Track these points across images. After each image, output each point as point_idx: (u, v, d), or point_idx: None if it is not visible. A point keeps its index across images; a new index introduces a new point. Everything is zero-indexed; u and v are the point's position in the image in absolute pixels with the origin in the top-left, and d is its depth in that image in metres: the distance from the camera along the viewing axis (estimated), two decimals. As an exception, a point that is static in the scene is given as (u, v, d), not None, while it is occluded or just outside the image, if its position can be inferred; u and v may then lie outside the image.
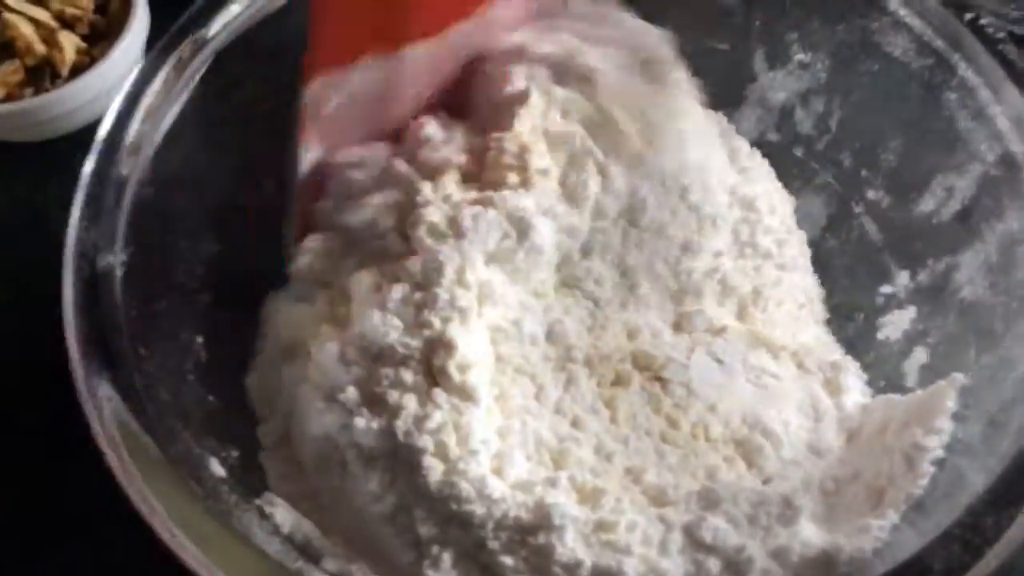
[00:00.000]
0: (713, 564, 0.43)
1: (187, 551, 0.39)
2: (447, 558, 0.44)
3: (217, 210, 0.54)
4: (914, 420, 0.46)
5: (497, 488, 0.44)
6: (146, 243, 0.48)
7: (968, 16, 0.51)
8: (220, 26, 0.53)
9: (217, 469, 0.45)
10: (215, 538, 0.40)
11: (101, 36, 0.66)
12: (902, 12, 0.53)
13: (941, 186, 0.53)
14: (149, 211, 0.49)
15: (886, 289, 0.55)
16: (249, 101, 0.55)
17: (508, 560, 0.43)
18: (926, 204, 0.54)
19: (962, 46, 0.51)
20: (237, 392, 0.52)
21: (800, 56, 0.59)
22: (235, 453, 0.48)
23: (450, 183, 0.51)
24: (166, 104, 0.51)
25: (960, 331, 0.50)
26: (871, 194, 0.57)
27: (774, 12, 0.59)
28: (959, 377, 0.47)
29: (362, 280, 0.50)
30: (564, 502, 0.44)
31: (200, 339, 0.51)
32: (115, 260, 0.46)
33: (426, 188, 0.50)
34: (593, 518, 0.44)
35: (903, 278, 0.55)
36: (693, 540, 0.44)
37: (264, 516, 0.45)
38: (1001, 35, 0.49)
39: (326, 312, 0.51)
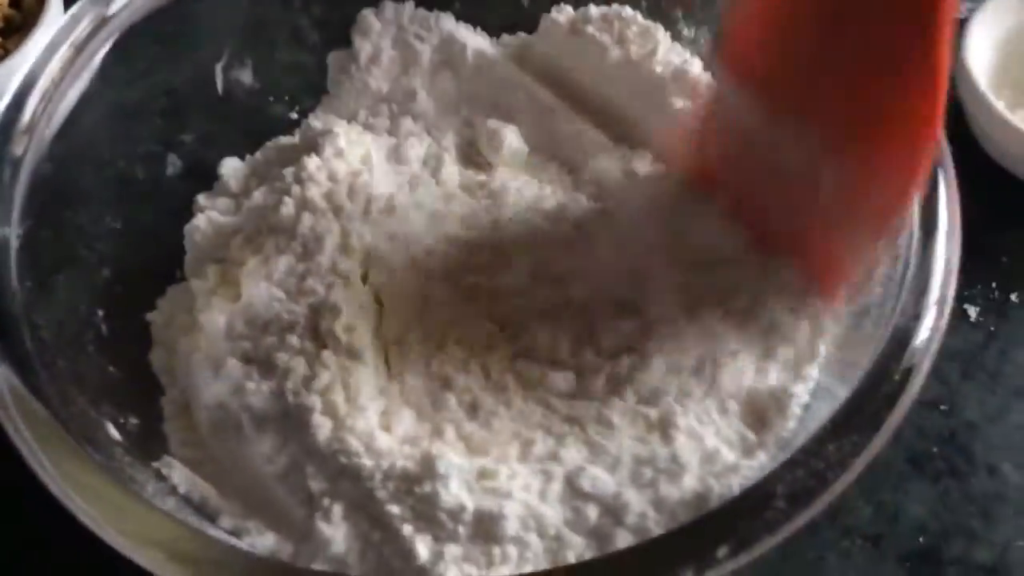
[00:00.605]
0: (591, 510, 0.45)
1: (82, 510, 0.40)
2: (338, 510, 0.45)
3: (119, 189, 0.56)
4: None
5: (384, 442, 0.46)
6: (43, 218, 0.50)
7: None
8: (121, 5, 0.54)
9: (113, 434, 0.47)
10: (108, 497, 0.41)
11: (15, 29, 0.66)
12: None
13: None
14: (47, 188, 0.51)
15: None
16: (154, 82, 0.57)
17: (395, 509, 0.44)
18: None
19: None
20: (142, 364, 0.54)
21: (686, 32, 0.61)
22: (135, 420, 0.49)
23: (337, 161, 0.53)
24: (65, 84, 0.52)
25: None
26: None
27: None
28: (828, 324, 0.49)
29: (249, 254, 0.52)
30: (448, 452, 0.46)
31: (101, 312, 0.52)
32: (10, 233, 0.47)
33: (311, 163, 0.53)
34: (477, 465, 0.46)
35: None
36: (573, 488, 0.46)
37: (161, 479, 0.47)
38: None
39: (216, 286, 0.53)
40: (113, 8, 0.54)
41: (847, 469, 0.39)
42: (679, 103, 0.58)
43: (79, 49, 0.52)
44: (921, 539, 0.52)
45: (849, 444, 0.39)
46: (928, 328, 0.43)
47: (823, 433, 0.40)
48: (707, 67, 0.58)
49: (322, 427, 0.46)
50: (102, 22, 0.53)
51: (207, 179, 0.60)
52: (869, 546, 0.52)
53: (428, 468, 0.45)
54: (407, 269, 0.52)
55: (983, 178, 0.55)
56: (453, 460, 0.45)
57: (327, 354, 0.48)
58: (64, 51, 0.52)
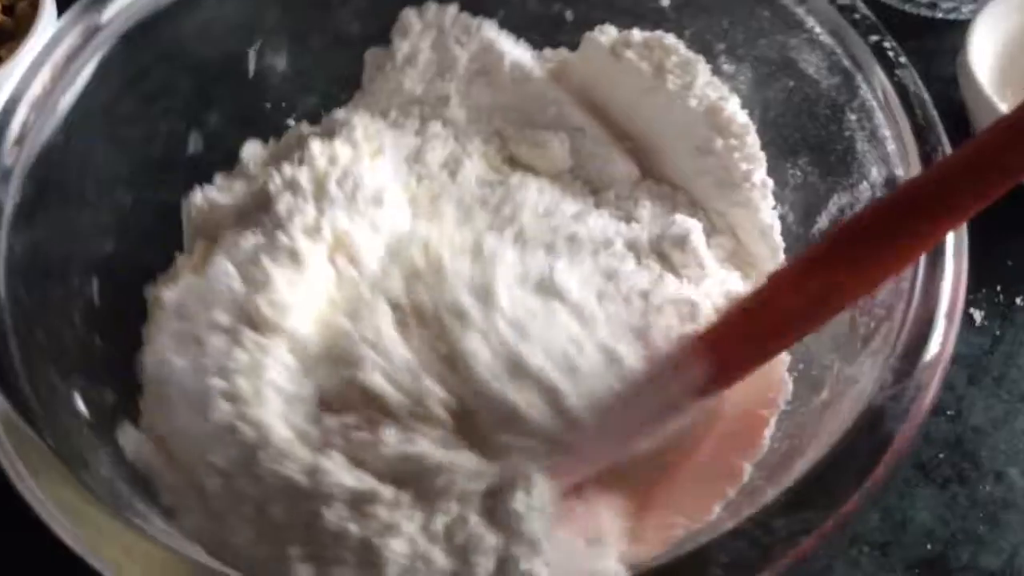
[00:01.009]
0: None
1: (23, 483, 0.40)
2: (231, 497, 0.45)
3: (134, 165, 0.56)
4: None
5: (280, 434, 0.44)
6: (48, 184, 0.50)
7: (873, 39, 0.51)
8: (114, 13, 0.53)
9: (80, 407, 0.47)
10: (49, 472, 0.41)
11: (8, 37, 0.65)
12: (817, 30, 0.54)
13: (836, 205, 0.53)
14: (57, 153, 0.51)
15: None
16: (182, 61, 0.57)
17: (278, 513, 0.43)
18: (822, 222, 0.54)
19: (862, 67, 0.51)
20: (132, 338, 0.54)
21: (726, 67, 0.59)
22: (111, 394, 0.50)
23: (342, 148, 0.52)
24: (83, 57, 0.52)
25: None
26: (779, 209, 0.57)
27: (703, 21, 0.59)
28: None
29: (228, 231, 0.52)
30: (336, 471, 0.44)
31: (96, 282, 0.53)
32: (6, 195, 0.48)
33: (315, 145, 0.52)
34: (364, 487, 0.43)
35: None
36: None
37: (118, 457, 0.47)
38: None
39: (199, 261, 0.53)
40: (106, 16, 0.53)
41: (795, 547, 0.37)
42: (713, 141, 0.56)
43: (72, 58, 0.52)
44: (929, 546, 0.52)
45: (799, 521, 0.37)
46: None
47: (775, 505, 0.38)
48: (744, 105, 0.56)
49: (220, 411, 0.45)
50: (94, 30, 0.53)
51: (229, 161, 0.60)
52: (877, 553, 0.52)
53: (315, 485, 0.43)
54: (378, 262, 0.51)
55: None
56: (341, 481, 0.43)
57: (248, 334, 0.47)
58: (56, 60, 0.51)
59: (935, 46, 0.69)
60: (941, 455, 0.55)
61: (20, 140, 0.49)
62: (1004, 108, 0.60)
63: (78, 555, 0.38)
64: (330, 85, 0.63)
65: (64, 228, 0.52)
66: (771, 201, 0.56)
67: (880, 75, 0.50)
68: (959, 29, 0.66)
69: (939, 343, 0.42)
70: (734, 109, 0.56)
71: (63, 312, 0.50)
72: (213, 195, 0.56)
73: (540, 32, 0.62)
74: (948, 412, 0.56)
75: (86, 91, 0.52)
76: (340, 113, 0.60)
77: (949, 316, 0.43)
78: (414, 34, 0.62)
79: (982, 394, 0.57)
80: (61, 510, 0.39)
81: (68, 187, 0.53)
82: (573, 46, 0.62)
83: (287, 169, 0.53)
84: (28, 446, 0.41)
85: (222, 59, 0.59)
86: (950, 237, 0.44)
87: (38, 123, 0.50)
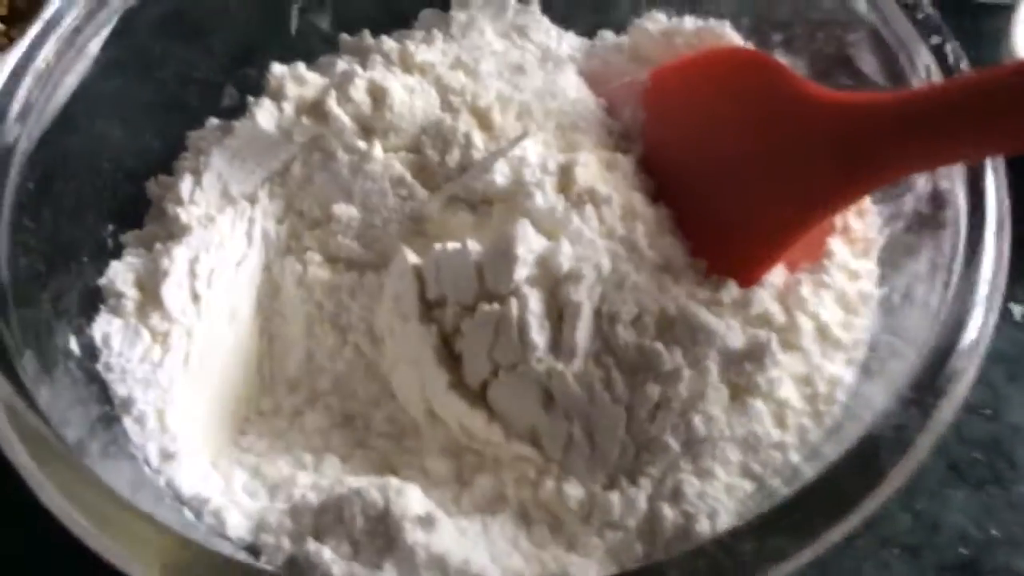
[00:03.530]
0: None
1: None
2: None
3: (167, 112, 0.56)
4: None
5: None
6: (73, 128, 0.50)
7: (935, 40, 0.47)
8: None
9: (72, 347, 0.47)
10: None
11: (20, 17, 0.63)
12: (879, 28, 0.50)
13: (881, 215, 0.50)
14: (90, 95, 0.51)
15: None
16: (158, 71, 0.57)
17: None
18: (865, 232, 0.51)
19: (919, 70, 0.47)
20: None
21: (782, 59, 0.56)
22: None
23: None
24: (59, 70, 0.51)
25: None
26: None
27: (763, 10, 0.56)
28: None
29: None
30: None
31: (111, 227, 0.53)
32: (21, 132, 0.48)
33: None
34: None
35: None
36: None
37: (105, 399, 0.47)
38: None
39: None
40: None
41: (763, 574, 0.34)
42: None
43: (75, 36, 0.51)
44: (962, 549, 0.50)
45: (771, 550, 0.35)
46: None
47: (745, 527, 0.35)
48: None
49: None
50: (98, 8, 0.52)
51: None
52: (908, 556, 0.50)
53: None
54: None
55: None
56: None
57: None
58: (58, 38, 0.51)
59: (981, 30, 0.65)
60: (977, 455, 0.52)
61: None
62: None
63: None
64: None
65: (87, 182, 0.53)
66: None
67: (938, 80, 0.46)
68: (1005, 14, 0.62)
69: (976, 330, 0.40)
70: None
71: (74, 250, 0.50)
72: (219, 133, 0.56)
73: (588, 20, 0.60)
74: (985, 411, 0.54)
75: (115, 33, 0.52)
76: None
77: (988, 302, 0.40)
78: (475, 6, 0.61)
79: (1021, 392, 0.54)
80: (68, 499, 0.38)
81: (95, 133, 0.53)
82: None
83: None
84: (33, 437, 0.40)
85: (264, 14, 0.58)
86: (991, 216, 0.42)
87: (63, 64, 0.50)
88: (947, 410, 0.38)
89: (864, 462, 0.37)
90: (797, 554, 0.35)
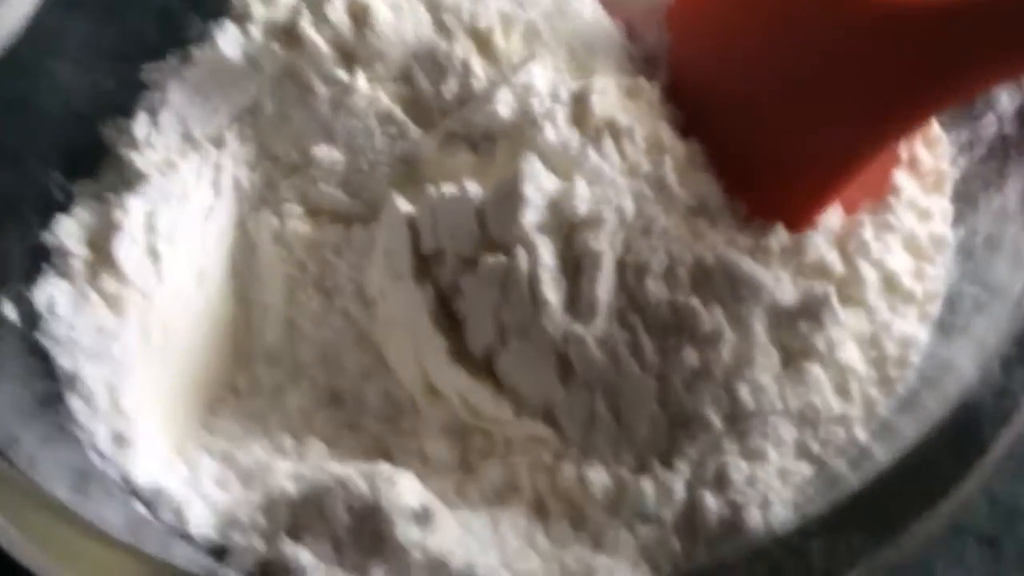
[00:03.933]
0: None
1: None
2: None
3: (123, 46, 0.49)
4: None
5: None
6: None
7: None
8: None
9: (9, 314, 0.41)
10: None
11: None
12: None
13: (954, 143, 0.43)
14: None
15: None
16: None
17: None
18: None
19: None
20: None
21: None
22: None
23: None
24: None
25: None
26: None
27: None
28: None
29: None
30: None
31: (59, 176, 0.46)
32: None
33: None
34: None
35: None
36: None
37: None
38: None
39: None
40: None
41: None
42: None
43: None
44: None
45: (844, 548, 0.28)
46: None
47: (813, 522, 0.29)
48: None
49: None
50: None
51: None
52: (985, 548, 0.45)
53: None
54: None
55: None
56: None
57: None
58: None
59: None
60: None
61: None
62: None
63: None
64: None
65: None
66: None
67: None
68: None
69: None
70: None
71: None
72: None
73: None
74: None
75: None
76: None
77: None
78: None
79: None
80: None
81: (39, 71, 0.47)
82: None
83: None
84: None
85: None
86: None
87: None
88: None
89: (959, 436, 0.30)
90: (878, 553, 0.28)
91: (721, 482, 0.37)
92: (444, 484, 0.40)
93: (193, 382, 0.44)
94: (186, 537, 0.37)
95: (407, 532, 0.35)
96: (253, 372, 0.46)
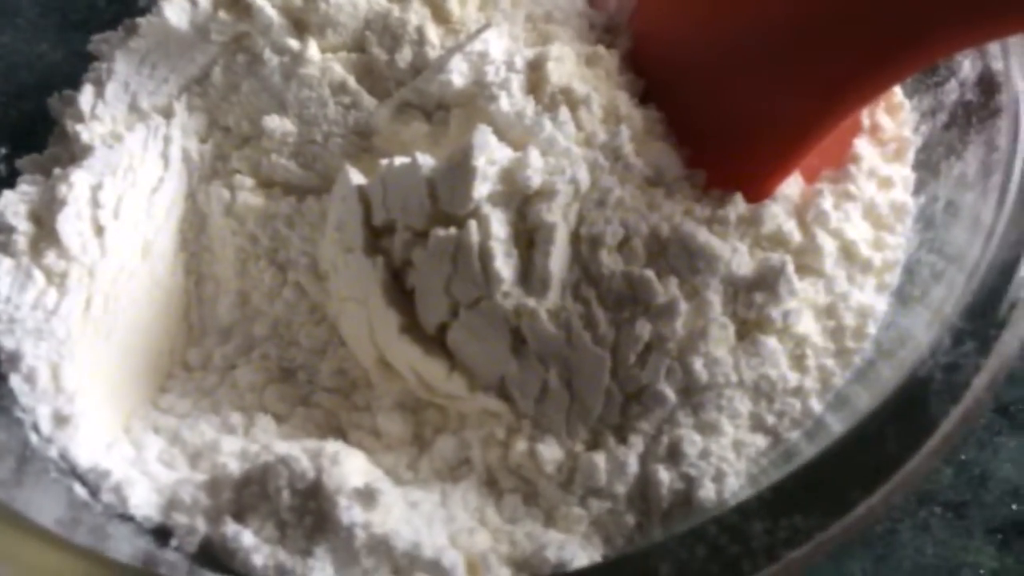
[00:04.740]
0: None
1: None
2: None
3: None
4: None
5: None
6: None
7: None
8: None
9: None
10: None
11: None
12: None
13: (916, 110, 0.42)
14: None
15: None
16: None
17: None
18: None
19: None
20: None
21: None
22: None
23: None
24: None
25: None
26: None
27: None
28: None
29: None
30: None
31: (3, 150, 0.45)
32: None
33: None
34: None
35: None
36: None
37: None
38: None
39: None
40: None
41: (773, 563, 0.26)
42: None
43: None
44: (1014, 506, 0.45)
45: (786, 529, 0.27)
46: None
47: (754, 502, 0.28)
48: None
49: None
50: None
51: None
52: (951, 515, 0.45)
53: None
54: None
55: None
56: None
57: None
58: None
59: None
60: (1030, 397, 0.46)
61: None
62: None
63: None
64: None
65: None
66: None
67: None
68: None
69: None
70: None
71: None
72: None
73: None
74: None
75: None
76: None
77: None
78: None
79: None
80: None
81: None
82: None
83: None
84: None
85: None
86: None
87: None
88: (1011, 343, 0.31)
89: (908, 411, 0.29)
90: (822, 534, 0.27)
91: (675, 456, 0.36)
92: (396, 459, 0.39)
93: (141, 358, 0.43)
94: (127, 519, 0.36)
95: (350, 513, 0.34)
96: (206, 347, 0.44)
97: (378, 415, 0.41)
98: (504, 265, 0.38)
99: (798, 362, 0.37)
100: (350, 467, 0.36)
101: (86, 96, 0.45)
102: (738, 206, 0.39)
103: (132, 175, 0.44)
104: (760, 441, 0.36)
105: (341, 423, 0.41)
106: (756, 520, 0.27)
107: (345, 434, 0.41)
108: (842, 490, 0.28)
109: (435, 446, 0.39)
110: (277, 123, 0.45)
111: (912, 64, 0.35)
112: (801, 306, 0.37)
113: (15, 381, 0.39)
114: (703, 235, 0.38)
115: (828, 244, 0.39)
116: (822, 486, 0.28)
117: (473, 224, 0.38)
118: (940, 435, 0.28)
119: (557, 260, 0.38)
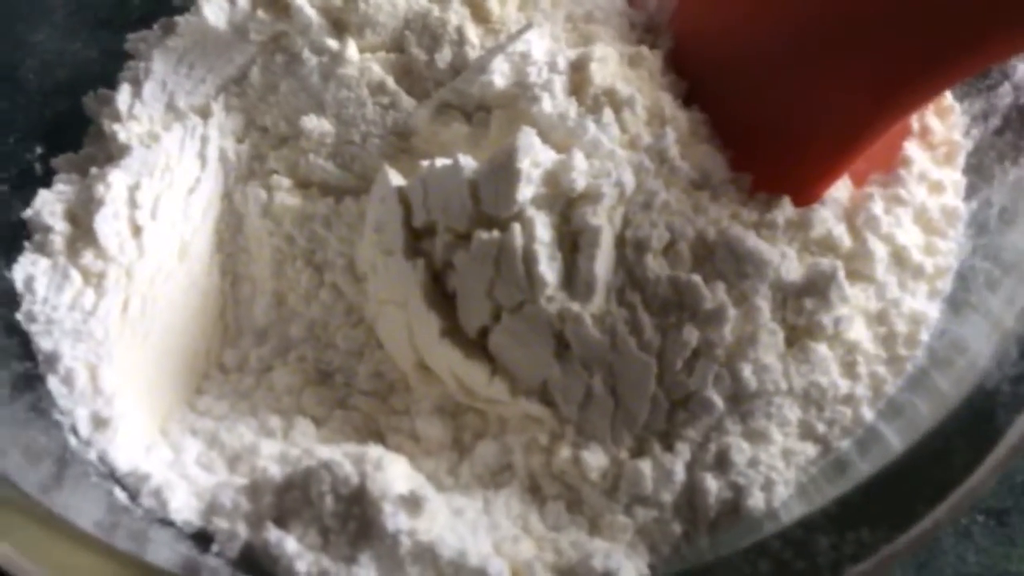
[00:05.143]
0: None
1: None
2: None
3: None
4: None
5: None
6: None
7: None
8: None
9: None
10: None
11: None
12: None
13: (967, 114, 0.41)
14: None
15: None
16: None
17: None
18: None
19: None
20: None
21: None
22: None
23: None
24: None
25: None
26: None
27: None
28: None
29: None
30: None
31: (39, 149, 0.45)
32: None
33: None
34: None
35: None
36: None
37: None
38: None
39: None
40: None
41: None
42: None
43: None
44: None
45: (852, 543, 0.26)
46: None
47: (819, 516, 0.27)
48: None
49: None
50: None
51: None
52: (993, 523, 0.44)
53: None
54: None
55: None
56: None
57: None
58: None
59: None
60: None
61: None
62: None
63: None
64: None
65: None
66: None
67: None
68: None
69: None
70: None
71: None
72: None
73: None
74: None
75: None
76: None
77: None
78: None
79: None
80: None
81: (15, 39, 0.45)
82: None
83: None
84: None
85: None
86: None
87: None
88: (1075, 354, 0.30)
89: (975, 424, 0.28)
90: (889, 548, 0.27)
91: (723, 464, 0.35)
92: (436, 465, 0.38)
93: (178, 359, 0.43)
94: (167, 523, 0.36)
95: (395, 519, 0.34)
96: (242, 349, 0.44)
97: (417, 419, 0.40)
98: (548, 269, 0.37)
99: (849, 369, 0.36)
100: (394, 473, 0.35)
101: (123, 95, 0.45)
102: (786, 210, 0.39)
103: (169, 175, 0.44)
104: (810, 450, 0.35)
105: (379, 427, 0.41)
106: (821, 534, 0.27)
107: (384, 438, 0.40)
108: (909, 503, 0.27)
109: (476, 451, 0.39)
110: (315, 123, 0.44)
111: (971, 66, 0.34)
112: (852, 312, 0.37)
113: (53, 383, 0.39)
114: (751, 239, 0.37)
115: (879, 249, 0.38)
116: (889, 499, 0.27)
117: (517, 227, 0.38)
118: (1006, 446, 0.28)
119: (602, 264, 0.37)
